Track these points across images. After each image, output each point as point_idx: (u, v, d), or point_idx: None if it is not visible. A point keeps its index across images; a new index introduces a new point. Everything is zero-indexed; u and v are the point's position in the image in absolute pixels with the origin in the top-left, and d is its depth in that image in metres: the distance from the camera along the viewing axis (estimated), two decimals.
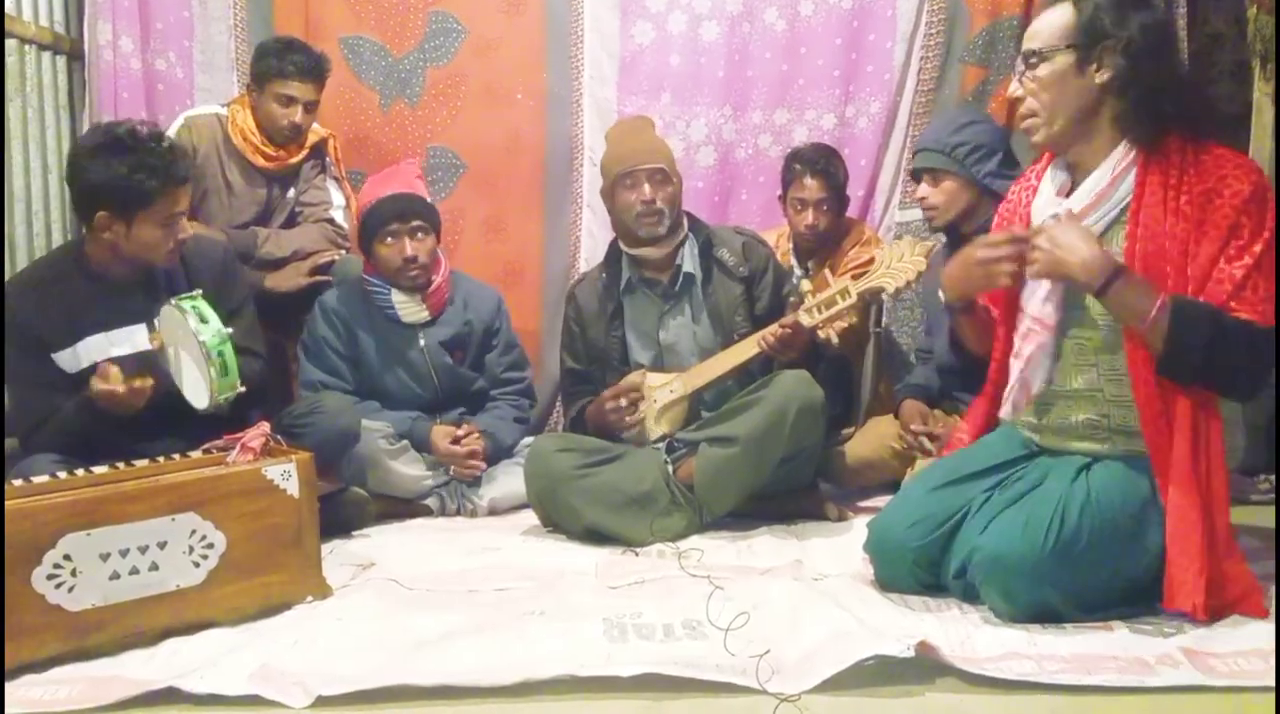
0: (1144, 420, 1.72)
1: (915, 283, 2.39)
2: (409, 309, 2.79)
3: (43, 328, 2.16)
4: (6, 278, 2.54)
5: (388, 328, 2.81)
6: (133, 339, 2.19)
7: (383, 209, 2.74)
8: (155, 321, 2.14)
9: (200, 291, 2.07)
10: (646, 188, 2.53)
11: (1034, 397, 1.86)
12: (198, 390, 2.06)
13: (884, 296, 2.47)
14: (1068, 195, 1.82)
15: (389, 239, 2.73)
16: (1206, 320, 1.64)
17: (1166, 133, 1.72)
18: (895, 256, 2.39)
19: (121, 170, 2.05)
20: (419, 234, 2.74)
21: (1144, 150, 1.73)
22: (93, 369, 2.14)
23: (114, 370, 2.07)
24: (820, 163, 3.00)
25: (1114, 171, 1.75)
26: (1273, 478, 2.61)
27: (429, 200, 2.83)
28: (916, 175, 2.64)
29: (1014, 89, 1.81)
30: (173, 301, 2.05)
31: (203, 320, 2.00)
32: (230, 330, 2.02)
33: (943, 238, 2.69)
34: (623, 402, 2.53)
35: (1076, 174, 1.83)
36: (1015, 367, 1.87)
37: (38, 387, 2.18)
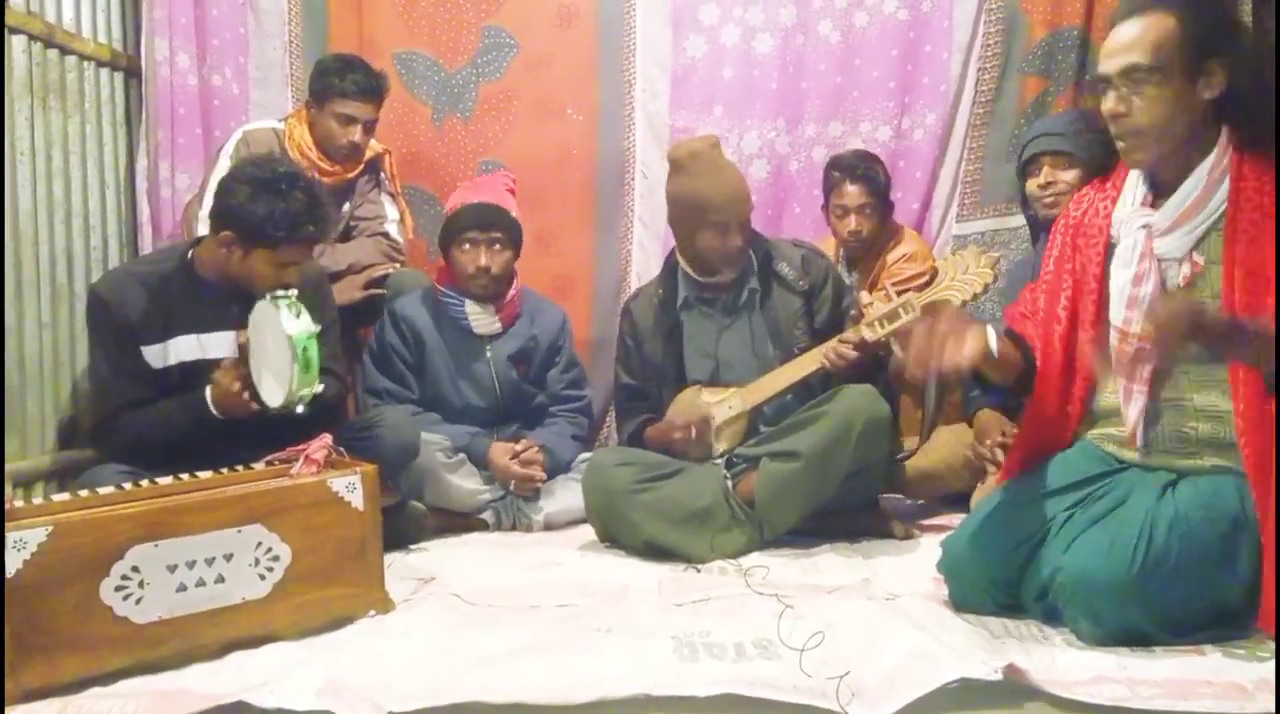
0: (1242, 430, 1.66)
1: (982, 295, 2.34)
2: (481, 320, 2.80)
3: (137, 319, 2.22)
4: (6, 279, 2.60)
5: (457, 338, 2.81)
6: (225, 345, 2.23)
7: (465, 215, 2.76)
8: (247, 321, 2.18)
9: (295, 290, 2.10)
10: (738, 234, 2.51)
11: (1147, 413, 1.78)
12: (274, 387, 2.07)
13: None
14: (1151, 206, 1.77)
15: (466, 246, 2.75)
16: None
17: (1271, 134, 1.67)
18: (960, 268, 2.33)
19: (259, 209, 2.12)
20: (496, 246, 2.75)
21: (1249, 154, 1.68)
22: (179, 368, 2.22)
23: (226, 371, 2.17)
24: (859, 168, 2.97)
25: (1207, 179, 1.69)
26: None
27: (514, 215, 2.82)
28: (1028, 167, 2.56)
29: (1113, 105, 1.71)
30: (268, 296, 2.09)
31: (296, 315, 2.02)
32: (319, 328, 2.05)
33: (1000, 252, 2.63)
34: (692, 433, 2.49)
35: (1161, 184, 1.77)
36: (1136, 391, 1.76)
37: (123, 375, 2.23)
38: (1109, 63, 1.71)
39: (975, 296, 2.30)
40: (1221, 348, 1.59)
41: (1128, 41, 1.69)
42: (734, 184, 2.54)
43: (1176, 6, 1.67)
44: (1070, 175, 2.48)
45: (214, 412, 2.18)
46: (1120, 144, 1.75)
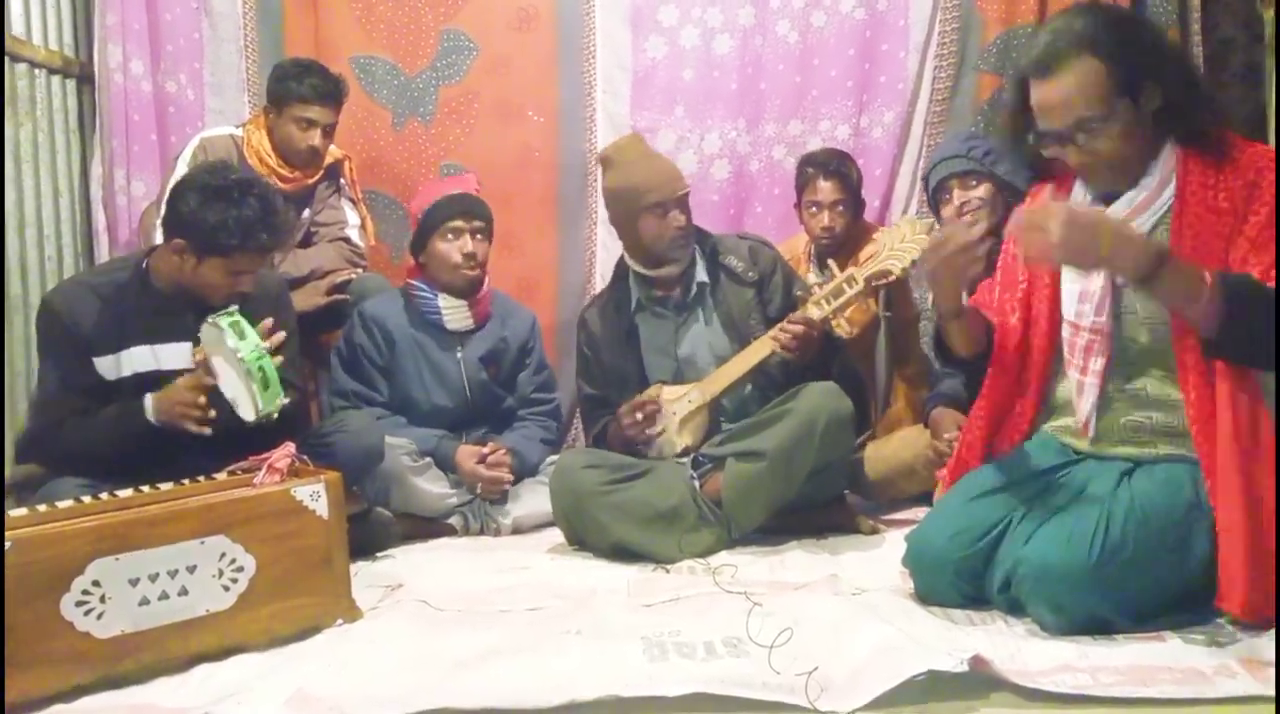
0: (1194, 419, 1.69)
1: (921, 262, 2.36)
2: (455, 316, 2.79)
3: (90, 330, 2.18)
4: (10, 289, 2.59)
5: (428, 339, 2.80)
6: (178, 356, 2.20)
7: (448, 205, 2.76)
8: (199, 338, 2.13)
9: (236, 307, 2.06)
10: (678, 214, 2.52)
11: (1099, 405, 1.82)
12: (244, 405, 2.04)
13: (891, 278, 2.43)
14: (1103, 203, 1.81)
15: (449, 235, 2.74)
16: (1256, 292, 1.60)
17: (1210, 132, 1.72)
18: (897, 238, 2.37)
19: (210, 217, 2.09)
20: (479, 235, 2.76)
21: (1194, 151, 1.72)
22: (132, 379, 2.18)
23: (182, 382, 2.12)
24: (833, 165, 3.00)
25: (1158, 179, 1.74)
26: None
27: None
28: (938, 195, 2.62)
29: (1078, 158, 1.74)
30: (210, 319, 2.04)
31: (240, 336, 1.98)
32: (267, 344, 2.00)
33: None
34: (639, 415, 2.51)
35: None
36: (1088, 382, 1.80)
37: (71, 387, 2.19)
38: (1054, 120, 1.72)
39: (914, 262, 2.33)
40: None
41: (1066, 97, 1.70)
42: (664, 166, 2.58)
43: (1097, 47, 1.68)
44: (981, 190, 2.58)
45: (151, 420, 2.12)
46: (1091, 178, 1.80)
